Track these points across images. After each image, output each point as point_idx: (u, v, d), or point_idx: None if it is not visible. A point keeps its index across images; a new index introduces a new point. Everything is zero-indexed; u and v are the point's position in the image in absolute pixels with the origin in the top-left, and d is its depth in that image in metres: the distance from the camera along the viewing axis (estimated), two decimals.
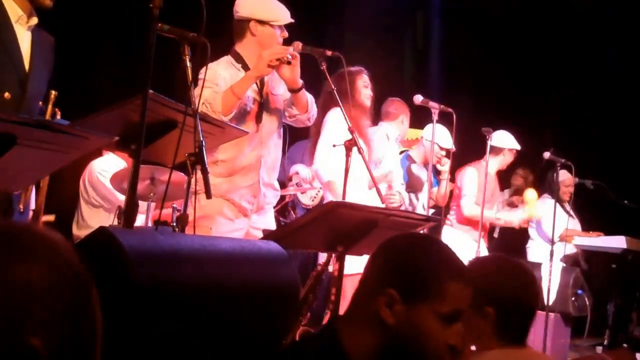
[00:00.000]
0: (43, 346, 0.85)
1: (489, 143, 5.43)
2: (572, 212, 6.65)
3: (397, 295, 1.65)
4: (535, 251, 7.00)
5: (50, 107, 3.10)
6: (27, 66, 3.01)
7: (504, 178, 6.72)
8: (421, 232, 3.00)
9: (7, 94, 2.92)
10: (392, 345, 1.66)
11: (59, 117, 3.16)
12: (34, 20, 3.05)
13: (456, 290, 1.66)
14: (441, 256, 1.72)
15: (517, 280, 2.15)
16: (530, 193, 6.28)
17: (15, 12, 3.01)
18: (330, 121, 4.50)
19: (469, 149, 6.04)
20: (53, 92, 3.13)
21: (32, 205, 4.59)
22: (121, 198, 4.59)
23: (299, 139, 5.70)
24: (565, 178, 6.60)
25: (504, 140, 6.09)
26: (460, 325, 1.68)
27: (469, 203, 5.95)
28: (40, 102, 3.08)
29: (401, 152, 5.84)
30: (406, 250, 1.74)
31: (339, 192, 3.89)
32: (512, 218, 6.23)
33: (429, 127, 5.68)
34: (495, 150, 6.02)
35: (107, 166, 4.90)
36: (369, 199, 4.44)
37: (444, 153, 5.59)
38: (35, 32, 3.07)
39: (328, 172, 4.50)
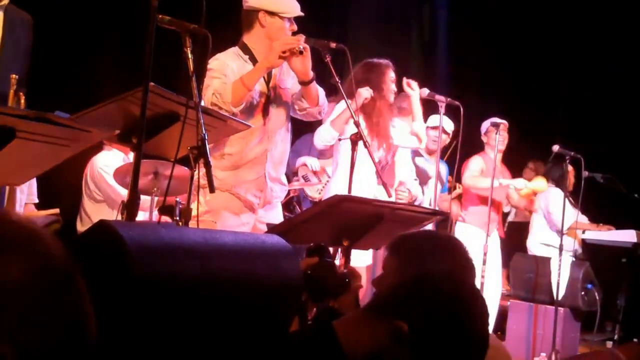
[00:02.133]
0: (14, 353, 0.74)
1: (497, 137, 5.38)
2: (573, 202, 6.57)
3: (407, 335, 1.45)
4: (538, 246, 6.91)
5: (12, 91, 3.00)
6: None
7: (514, 172, 6.63)
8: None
9: None
10: None
11: (23, 101, 3.08)
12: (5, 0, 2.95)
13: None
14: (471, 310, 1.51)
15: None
16: (539, 183, 6.19)
17: None
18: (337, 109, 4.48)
19: (476, 142, 5.99)
20: (14, 76, 3.04)
21: (35, 199, 4.58)
22: (123, 193, 4.57)
23: (305, 132, 5.65)
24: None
25: (485, 125, 6.01)
26: None
27: (471, 175, 5.87)
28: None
29: None
30: (447, 298, 1.51)
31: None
32: (516, 183, 6.10)
33: (431, 118, 5.65)
34: (485, 138, 5.98)
35: (109, 161, 4.87)
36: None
37: (444, 137, 5.55)
38: (8, 11, 2.96)
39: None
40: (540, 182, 6.19)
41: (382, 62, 4.62)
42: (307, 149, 5.90)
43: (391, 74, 4.63)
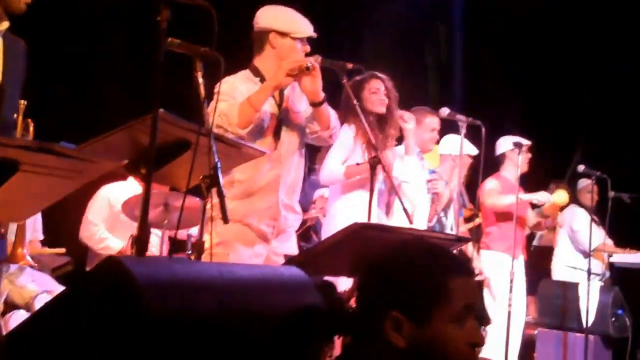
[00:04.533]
0: None
1: (520, 158, 5.25)
2: (597, 220, 6.43)
3: (401, 315, 1.57)
4: (563, 269, 6.73)
5: (20, 118, 2.95)
6: (0, 75, 2.85)
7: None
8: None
9: None
10: None
11: (32, 128, 3.02)
12: (5, 25, 2.87)
13: (459, 286, 1.58)
14: (430, 257, 1.62)
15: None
16: (560, 196, 6.02)
17: None
18: (340, 138, 4.26)
19: (495, 162, 5.85)
20: (22, 102, 2.98)
21: (40, 236, 4.47)
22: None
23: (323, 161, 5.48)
24: (587, 184, 6.42)
25: (505, 144, 5.87)
26: (474, 320, 1.61)
27: (491, 194, 5.71)
28: (15, 115, 2.92)
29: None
30: (393, 264, 1.64)
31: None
32: (539, 196, 5.90)
33: (445, 140, 5.46)
34: (502, 157, 5.86)
35: (121, 192, 4.74)
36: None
37: (471, 160, 5.36)
38: (6, 37, 2.90)
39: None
40: (561, 194, 6.01)
41: (357, 79, 4.42)
42: None
43: (371, 87, 4.44)
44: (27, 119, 2.99)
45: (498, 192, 5.71)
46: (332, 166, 4.30)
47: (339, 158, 4.29)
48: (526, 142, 5.64)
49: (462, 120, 4.59)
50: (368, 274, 1.68)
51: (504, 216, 5.61)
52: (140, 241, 2.27)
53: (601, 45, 8.04)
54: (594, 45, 8.07)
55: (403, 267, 1.61)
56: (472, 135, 4.98)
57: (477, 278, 5.60)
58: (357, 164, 4.10)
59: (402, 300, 1.58)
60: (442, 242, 3.24)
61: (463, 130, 4.59)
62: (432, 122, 5.08)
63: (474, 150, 5.32)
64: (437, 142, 5.36)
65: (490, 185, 5.78)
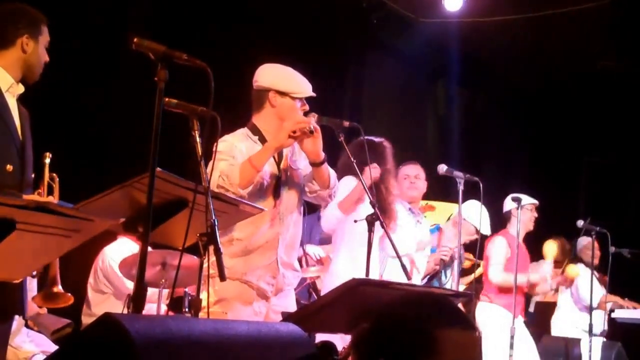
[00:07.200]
0: None
1: (519, 212, 5.26)
2: (598, 276, 6.42)
3: None
4: (564, 324, 6.69)
5: (46, 170, 2.99)
6: (20, 136, 2.91)
7: (536, 249, 6.47)
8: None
9: (9, 166, 2.81)
10: None
11: (57, 183, 3.05)
12: (21, 89, 2.96)
13: (450, 339, 1.53)
14: (420, 308, 1.60)
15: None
16: (573, 269, 6.05)
17: (6, 81, 2.91)
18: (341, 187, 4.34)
19: (495, 218, 5.86)
20: (48, 155, 3.02)
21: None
22: (130, 286, 4.43)
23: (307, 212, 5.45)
24: (588, 242, 6.45)
25: (510, 202, 5.88)
26: None
27: (497, 271, 5.73)
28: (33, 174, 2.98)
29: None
30: (386, 316, 1.63)
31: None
32: (542, 274, 5.94)
33: (467, 205, 5.35)
34: (508, 214, 5.91)
35: (121, 252, 4.73)
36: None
37: (476, 236, 5.35)
38: (17, 102, 2.99)
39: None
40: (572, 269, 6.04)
41: (381, 140, 4.58)
42: (308, 232, 5.64)
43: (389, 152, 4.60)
44: (52, 173, 3.03)
45: (505, 260, 5.71)
46: (329, 210, 4.36)
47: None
48: (531, 201, 5.68)
49: (459, 176, 4.61)
50: (364, 328, 1.66)
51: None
52: (137, 299, 2.26)
53: (605, 97, 8.10)
54: (595, 97, 8.13)
55: (393, 318, 1.59)
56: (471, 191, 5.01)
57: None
58: (355, 221, 4.10)
59: (389, 351, 1.55)
60: None
61: (461, 187, 4.60)
62: (405, 169, 5.10)
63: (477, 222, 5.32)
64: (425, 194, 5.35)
65: (497, 253, 5.76)
